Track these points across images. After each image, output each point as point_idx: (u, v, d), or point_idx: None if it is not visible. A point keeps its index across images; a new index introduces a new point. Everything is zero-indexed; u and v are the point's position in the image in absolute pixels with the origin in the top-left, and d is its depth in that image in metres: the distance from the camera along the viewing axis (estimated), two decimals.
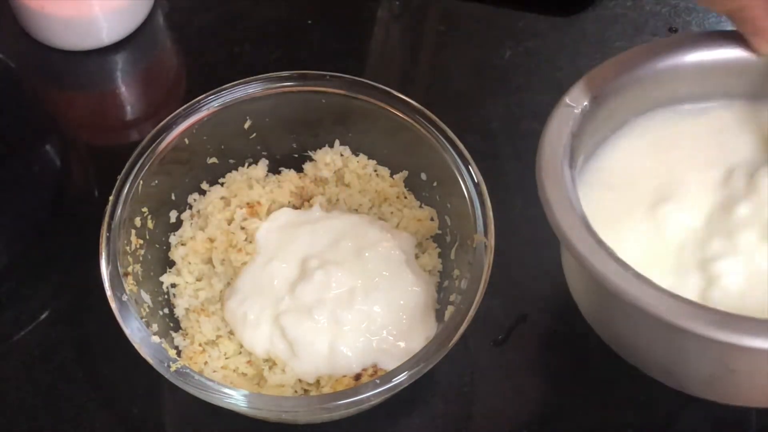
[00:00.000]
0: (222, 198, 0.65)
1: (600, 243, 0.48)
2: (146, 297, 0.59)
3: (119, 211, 0.59)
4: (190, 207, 0.64)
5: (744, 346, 0.45)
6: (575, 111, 0.52)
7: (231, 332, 0.60)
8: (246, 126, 0.64)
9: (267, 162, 0.66)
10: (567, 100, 0.53)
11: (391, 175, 0.65)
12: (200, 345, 0.59)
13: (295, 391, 0.58)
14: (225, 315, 0.60)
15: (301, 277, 0.60)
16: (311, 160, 0.66)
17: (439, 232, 0.63)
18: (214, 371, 0.59)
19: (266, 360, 0.59)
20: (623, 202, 0.54)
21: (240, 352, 0.60)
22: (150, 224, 0.61)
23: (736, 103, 0.56)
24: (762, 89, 0.55)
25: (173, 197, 0.63)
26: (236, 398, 0.53)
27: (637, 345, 0.53)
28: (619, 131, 0.56)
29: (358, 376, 0.58)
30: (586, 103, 0.52)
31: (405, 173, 0.65)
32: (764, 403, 0.55)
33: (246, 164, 0.66)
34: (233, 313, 0.60)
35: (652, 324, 0.47)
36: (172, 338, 0.60)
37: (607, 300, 0.50)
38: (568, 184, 0.50)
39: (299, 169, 0.66)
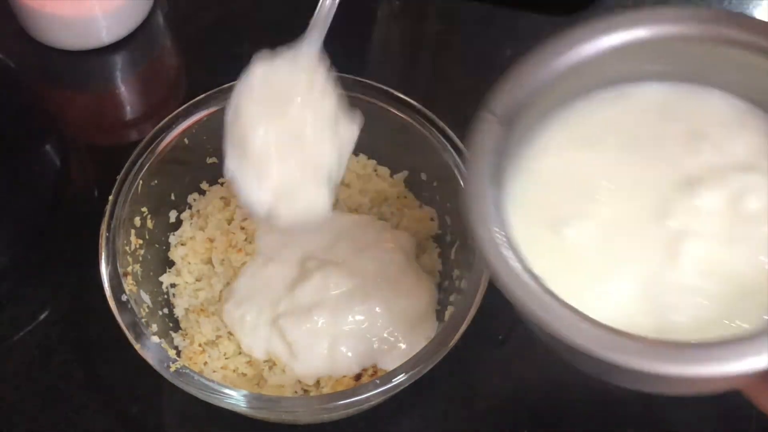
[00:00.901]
0: (222, 198, 0.64)
1: (536, 281, 0.42)
2: (146, 297, 0.59)
3: (119, 210, 0.58)
4: (190, 207, 0.64)
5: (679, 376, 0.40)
6: (496, 124, 0.47)
7: (230, 332, 0.60)
8: None
9: None
10: (488, 111, 0.47)
11: (391, 175, 0.65)
12: (200, 345, 0.59)
13: (295, 392, 0.58)
14: (223, 317, 0.60)
15: (300, 277, 0.60)
16: None
17: (439, 232, 0.63)
18: (214, 371, 0.59)
19: (266, 360, 0.59)
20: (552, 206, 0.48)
21: (240, 353, 0.60)
22: (150, 224, 0.61)
23: (654, 86, 0.49)
24: (684, 69, 0.49)
25: (173, 197, 0.63)
26: (236, 398, 0.53)
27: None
28: (538, 127, 0.49)
29: (358, 377, 0.58)
30: (506, 112, 0.47)
31: (405, 173, 0.65)
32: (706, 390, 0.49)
33: None
34: (231, 315, 0.60)
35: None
36: (172, 338, 0.60)
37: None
38: (493, 210, 0.44)
39: None
